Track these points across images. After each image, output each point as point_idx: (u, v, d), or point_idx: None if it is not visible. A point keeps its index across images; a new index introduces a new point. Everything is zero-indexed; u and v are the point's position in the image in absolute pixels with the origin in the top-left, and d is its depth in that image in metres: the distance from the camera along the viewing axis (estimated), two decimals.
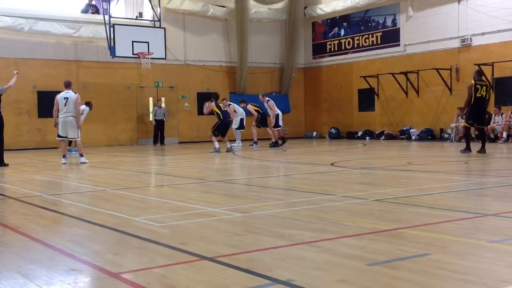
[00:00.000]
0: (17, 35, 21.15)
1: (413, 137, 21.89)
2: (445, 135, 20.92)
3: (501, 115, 19.25)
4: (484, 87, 13.62)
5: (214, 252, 4.04)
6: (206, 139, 18.70)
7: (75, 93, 13.40)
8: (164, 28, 22.59)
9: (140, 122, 23.85)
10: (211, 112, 16.95)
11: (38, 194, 7.88)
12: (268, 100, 19.08)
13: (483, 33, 20.26)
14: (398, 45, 23.33)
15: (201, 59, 24.88)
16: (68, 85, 13.43)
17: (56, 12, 21.76)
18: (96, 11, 22.93)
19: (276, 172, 11.31)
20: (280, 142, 19.11)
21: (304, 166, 11.78)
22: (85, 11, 22.87)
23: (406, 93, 23.11)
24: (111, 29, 21.20)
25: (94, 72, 22.62)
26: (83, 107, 17.05)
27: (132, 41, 21.45)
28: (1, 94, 12.97)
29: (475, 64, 19.14)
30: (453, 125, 20.10)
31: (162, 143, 23.00)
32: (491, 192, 7.39)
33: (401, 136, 22.80)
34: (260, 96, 19.31)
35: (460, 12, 20.93)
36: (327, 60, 26.71)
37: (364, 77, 24.17)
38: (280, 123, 19.13)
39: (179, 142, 24.32)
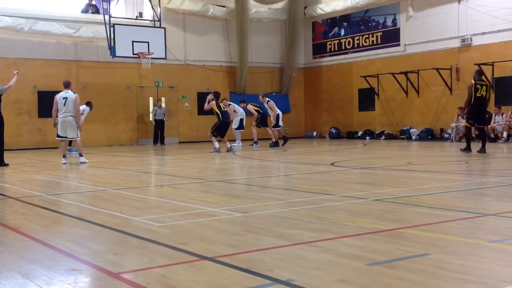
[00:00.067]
0: (17, 35, 21.16)
1: (413, 137, 21.89)
2: (445, 135, 20.92)
3: (501, 115, 19.25)
4: (484, 87, 13.61)
5: (214, 252, 4.04)
6: (206, 139, 18.69)
7: (74, 93, 13.40)
8: (164, 28, 22.59)
9: (140, 122, 23.85)
10: (211, 111, 16.92)
11: (38, 194, 7.88)
12: (268, 101, 19.06)
13: (483, 33, 20.27)
14: (398, 45, 23.33)
15: (201, 59, 24.89)
16: (67, 85, 13.43)
17: (56, 12, 21.76)
18: (96, 11, 22.93)
19: (276, 172, 11.31)
20: (281, 142, 19.06)
21: (304, 166, 11.78)
22: (85, 11, 22.87)
23: (406, 93, 23.11)
24: (111, 29, 21.21)
25: (94, 72, 22.62)
26: (84, 107, 17.07)
27: (132, 41, 21.45)
28: (1, 94, 12.98)
29: (475, 64, 19.14)
30: (453, 125, 20.10)
31: (162, 143, 23.00)
32: (491, 192, 7.38)
33: (401, 136, 22.80)
34: (260, 97, 19.30)
35: (460, 12, 20.93)
36: (327, 60, 26.71)
37: (364, 77, 24.18)
38: (280, 123, 19.12)
39: (179, 142, 24.33)
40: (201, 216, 5.73)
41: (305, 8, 26.67)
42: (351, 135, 24.97)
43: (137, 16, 22.63)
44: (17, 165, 13.45)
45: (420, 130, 21.98)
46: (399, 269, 3.52)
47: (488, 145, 14.66)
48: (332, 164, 11.77)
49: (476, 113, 13.60)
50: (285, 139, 19.31)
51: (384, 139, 23.15)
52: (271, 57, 26.76)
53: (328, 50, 26.63)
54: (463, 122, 18.01)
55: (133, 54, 21.56)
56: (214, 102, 16.61)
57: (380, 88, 24.21)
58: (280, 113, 19.25)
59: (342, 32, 25.92)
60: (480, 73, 14.17)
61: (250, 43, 25.61)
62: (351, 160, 13.11)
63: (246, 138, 21.05)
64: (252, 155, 15.53)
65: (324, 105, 26.99)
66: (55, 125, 13.49)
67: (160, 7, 22.80)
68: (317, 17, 26.75)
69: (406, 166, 10.98)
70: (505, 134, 18.85)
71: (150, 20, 22.83)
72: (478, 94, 13.45)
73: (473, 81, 13.52)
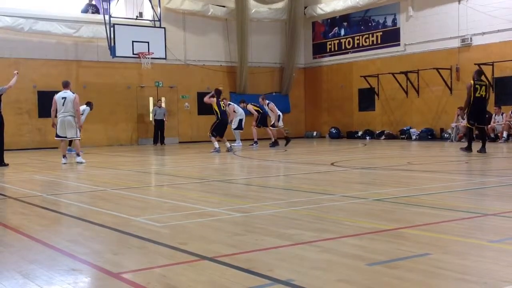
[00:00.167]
0: (17, 35, 21.16)
1: (413, 137, 21.89)
2: (445, 135, 20.92)
3: (501, 115, 19.25)
4: (484, 87, 13.59)
5: (214, 252, 4.04)
6: (206, 139, 18.68)
7: (73, 93, 13.40)
8: (164, 28, 22.59)
9: (140, 122, 23.85)
10: (210, 108, 16.87)
11: (38, 194, 7.88)
12: (268, 103, 19.02)
13: (483, 33, 20.27)
14: (398, 44, 23.33)
15: (201, 59, 24.89)
16: (66, 85, 13.44)
17: (56, 12, 21.76)
18: (96, 11, 22.93)
19: (276, 172, 11.30)
20: (284, 142, 18.99)
21: (304, 166, 11.78)
22: (85, 11, 22.87)
23: (406, 92, 23.11)
24: (111, 29, 21.20)
25: (94, 72, 22.63)
26: (84, 107, 17.08)
27: (132, 41, 21.45)
28: (1, 94, 12.98)
29: (475, 64, 19.13)
30: (453, 124, 20.10)
31: (162, 143, 23.00)
32: (491, 191, 7.38)
33: (401, 136, 22.80)
34: (261, 99, 19.25)
35: (460, 12, 20.93)
36: (327, 60, 26.71)
37: (364, 76, 24.18)
38: (280, 123, 19.12)
39: (179, 142, 24.33)
40: (201, 216, 5.73)
41: (305, 8, 26.67)
42: (351, 135, 24.97)
43: (137, 16, 22.63)
44: (17, 165, 13.45)
45: (420, 130, 21.98)
46: (399, 269, 3.52)
47: (488, 145, 14.66)
48: (332, 164, 11.77)
49: (476, 113, 13.59)
50: (288, 140, 19.23)
51: (384, 139, 23.15)
52: (271, 57, 26.76)
53: (328, 50, 26.63)
54: (463, 122, 18.03)
55: (133, 54, 21.56)
56: (215, 99, 16.57)
57: (380, 88, 24.21)
58: (281, 114, 19.26)
59: (342, 32, 25.92)
60: (479, 73, 14.12)
61: (250, 43, 25.61)
62: (351, 160, 13.11)
63: (246, 138, 21.05)
64: (252, 155, 15.54)
65: (324, 105, 26.99)
66: (54, 125, 13.49)
67: (160, 7, 22.80)
68: (317, 17, 26.75)
69: (406, 166, 10.98)
70: (505, 134, 18.85)
71: (150, 20, 22.83)
72: (477, 95, 13.44)
73: (472, 82, 13.51)
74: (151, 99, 24.12)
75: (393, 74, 23.08)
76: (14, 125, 20.32)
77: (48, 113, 14.00)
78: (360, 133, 24.57)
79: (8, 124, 14.77)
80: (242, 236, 4.67)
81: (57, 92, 13.96)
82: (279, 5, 26.59)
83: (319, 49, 27.08)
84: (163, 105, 23.35)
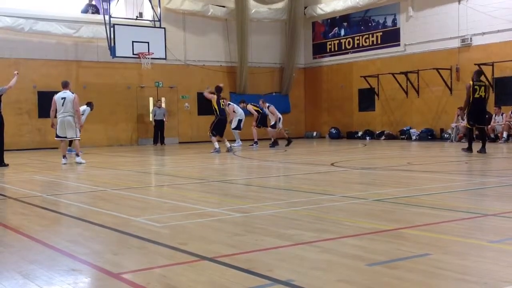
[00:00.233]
0: (17, 35, 21.15)
1: (413, 137, 21.88)
2: (445, 135, 20.92)
3: (501, 115, 19.24)
4: (483, 88, 13.58)
5: (214, 252, 4.04)
6: (206, 139, 18.69)
7: (73, 93, 13.40)
8: (164, 28, 22.59)
9: (140, 122, 23.85)
10: (209, 104, 16.85)
11: (38, 194, 7.88)
12: (269, 106, 18.99)
13: (483, 33, 20.26)
14: (398, 45, 23.33)
15: (201, 59, 24.89)
16: (65, 85, 13.44)
17: (56, 12, 21.76)
18: (96, 11, 22.93)
19: (276, 172, 11.30)
20: (286, 143, 18.97)
21: (304, 166, 11.78)
22: (85, 11, 22.87)
23: (406, 93, 23.11)
24: (111, 29, 21.20)
25: (94, 72, 22.62)
26: (84, 107, 17.08)
27: (132, 41, 21.45)
28: (1, 95, 12.97)
29: (475, 64, 19.13)
30: (453, 125, 20.10)
31: (162, 143, 23.00)
32: (491, 192, 7.38)
33: (401, 136, 22.79)
34: (261, 102, 19.21)
35: (460, 12, 20.93)
36: (327, 60, 26.71)
37: (364, 77, 24.17)
38: (280, 125, 19.12)
39: (179, 142, 24.32)
40: (201, 216, 5.73)
41: (305, 8, 26.67)
42: (351, 135, 24.97)
43: (137, 16, 22.63)
44: (17, 165, 13.44)
45: (420, 130, 21.98)
46: (399, 269, 3.52)
47: (488, 145, 14.66)
48: (332, 164, 11.77)
49: (476, 113, 13.59)
50: (289, 140, 19.19)
51: (384, 139, 23.14)
52: (271, 57, 26.75)
53: (328, 50, 26.63)
54: (463, 122, 18.03)
55: (133, 54, 21.56)
56: (215, 96, 16.54)
57: (380, 88, 24.21)
58: (281, 117, 19.26)
59: (342, 32, 25.92)
60: (479, 73, 14.09)
61: (250, 43, 25.61)
62: (351, 160, 13.11)
63: (246, 138, 21.05)
64: (252, 155, 15.54)
65: (324, 105, 26.99)
66: (53, 125, 13.48)
67: (160, 7, 22.80)
68: (317, 17, 26.75)
69: (406, 166, 10.98)
70: (505, 134, 18.85)
71: (150, 20, 22.83)
72: (476, 95, 13.43)
73: (471, 82, 13.50)
74: (151, 99, 24.12)
75: (393, 74, 23.08)
76: (14, 126, 20.31)
77: (48, 114, 14.00)
78: (360, 133, 24.56)
79: (8, 124, 14.76)
80: (242, 236, 4.67)
81: (57, 92, 13.95)
82: (279, 5, 26.59)
83: (319, 49, 27.08)
84: (163, 105, 23.35)
